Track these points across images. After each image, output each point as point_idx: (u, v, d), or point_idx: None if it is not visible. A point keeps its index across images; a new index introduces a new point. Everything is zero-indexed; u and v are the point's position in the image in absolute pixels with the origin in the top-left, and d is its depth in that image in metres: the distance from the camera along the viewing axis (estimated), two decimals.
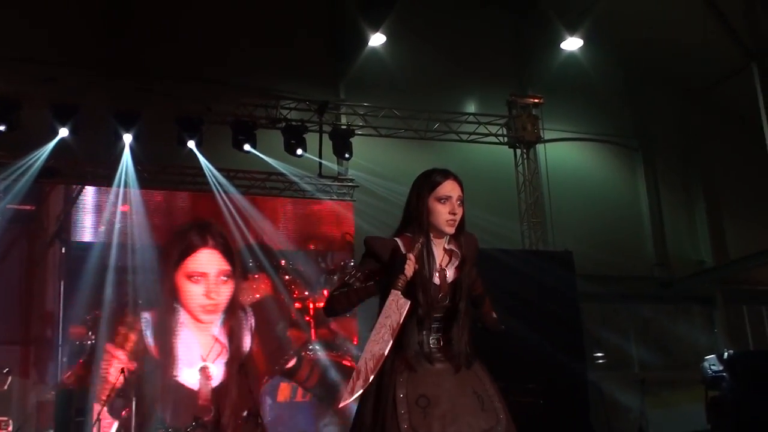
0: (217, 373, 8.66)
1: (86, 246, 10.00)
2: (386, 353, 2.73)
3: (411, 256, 2.85)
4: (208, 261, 8.85)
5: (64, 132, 9.92)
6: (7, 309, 9.77)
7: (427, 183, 3.01)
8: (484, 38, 13.96)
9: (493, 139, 12.47)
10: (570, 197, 13.59)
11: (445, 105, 12.68)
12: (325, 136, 11.40)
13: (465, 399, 2.89)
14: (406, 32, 12.90)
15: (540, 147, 13.06)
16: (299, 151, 11.01)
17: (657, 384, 11.87)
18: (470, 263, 3.06)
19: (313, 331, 10.67)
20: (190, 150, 10.58)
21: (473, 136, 12.39)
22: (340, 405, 2.86)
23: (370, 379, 2.70)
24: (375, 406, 2.87)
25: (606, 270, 12.72)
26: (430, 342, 2.96)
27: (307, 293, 10.81)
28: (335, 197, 11.79)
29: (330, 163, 11.63)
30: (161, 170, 11.03)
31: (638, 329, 13.74)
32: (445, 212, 2.96)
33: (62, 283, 9.78)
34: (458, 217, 3.00)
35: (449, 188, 2.99)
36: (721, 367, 9.22)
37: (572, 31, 12.96)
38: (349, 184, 11.92)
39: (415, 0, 12.66)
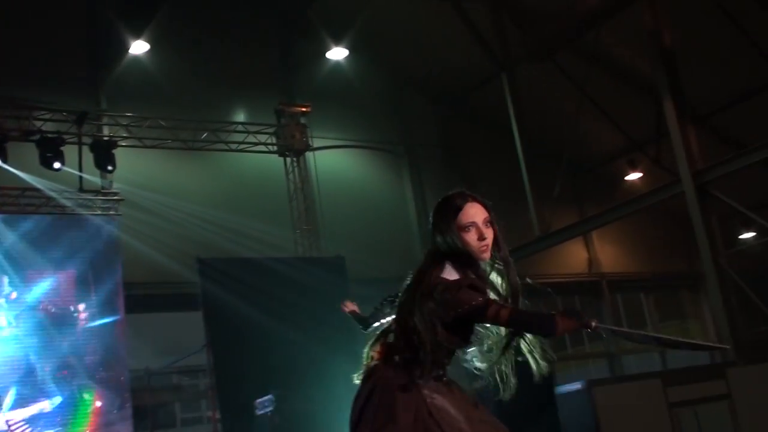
0: None
1: None
2: None
3: None
4: None
5: None
6: None
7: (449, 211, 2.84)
8: (252, 47, 13.82)
9: (262, 147, 12.46)
10: (341, 203, 13.77)
11: (213, 114, 12.48)
12: (86, 149, 10.86)
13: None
14: (169, 40, 12.57)
15: (309, 155, 13.19)
16: (57, 165, 10.41)
17: None
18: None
19: None
20: None
21: (242, 146, 12.32)
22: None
23: None
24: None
25: (378, 273, 13.05)
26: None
27: None
28: (99, 212, 11.23)
29: (92, 177, 11.10)
30: None
31: None
32: (474, 241, 2.79)
33: None
34: (490, 241, 2.83)
35: (472, 213, 2.81)
36: None
37: (338, 41, 13.25)
38: (114, 197, 11.37)
39: (178, 7, 12.29)
